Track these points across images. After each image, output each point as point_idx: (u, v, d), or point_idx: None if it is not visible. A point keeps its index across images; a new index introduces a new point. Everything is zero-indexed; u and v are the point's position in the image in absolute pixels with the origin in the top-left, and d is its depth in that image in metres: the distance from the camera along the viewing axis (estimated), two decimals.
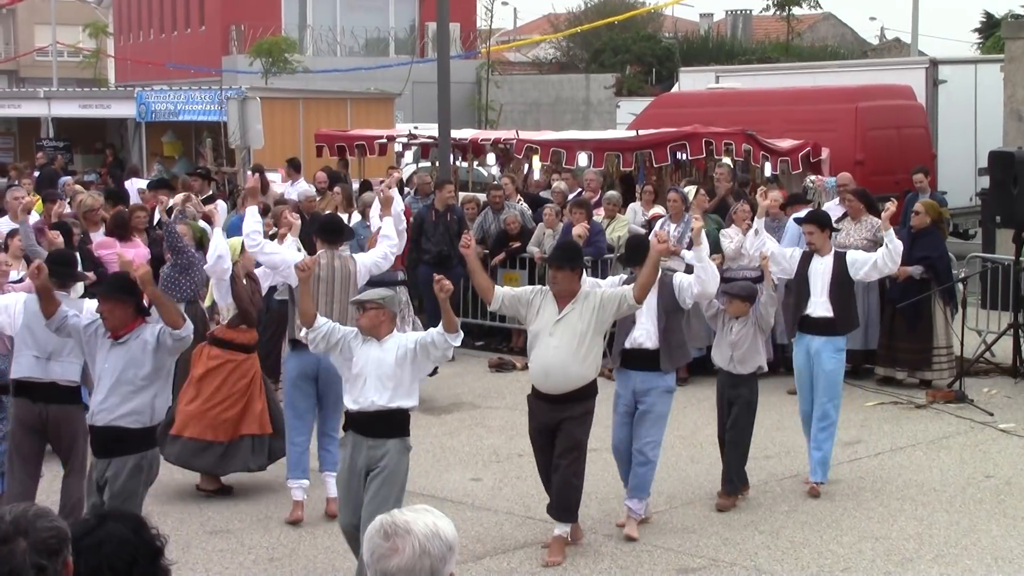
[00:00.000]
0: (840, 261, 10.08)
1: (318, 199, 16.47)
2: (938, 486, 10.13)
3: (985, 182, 19.34)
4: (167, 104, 26.43)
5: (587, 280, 8.90)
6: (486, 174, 22.08)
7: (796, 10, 46.75)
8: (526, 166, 18.87)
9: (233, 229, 13.88)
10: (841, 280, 10.05)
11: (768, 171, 16.45)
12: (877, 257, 10.00)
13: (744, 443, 9.66)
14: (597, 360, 8.52)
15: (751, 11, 56.68)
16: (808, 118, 18.67)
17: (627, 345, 9.03)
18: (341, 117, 26.65)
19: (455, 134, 18.39)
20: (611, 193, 15.63)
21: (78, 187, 17.68)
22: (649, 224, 14.70)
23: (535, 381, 8.57)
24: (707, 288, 8.93)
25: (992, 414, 12.22)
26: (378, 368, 7.60)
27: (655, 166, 16.66)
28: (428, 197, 16.49)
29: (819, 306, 10.04)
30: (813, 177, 16.54)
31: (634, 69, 44.34)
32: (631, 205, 15.75)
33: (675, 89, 26.48)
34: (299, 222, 10.45)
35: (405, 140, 19.97)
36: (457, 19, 36.88)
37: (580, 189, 16.77)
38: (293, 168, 20.12)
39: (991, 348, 13.94)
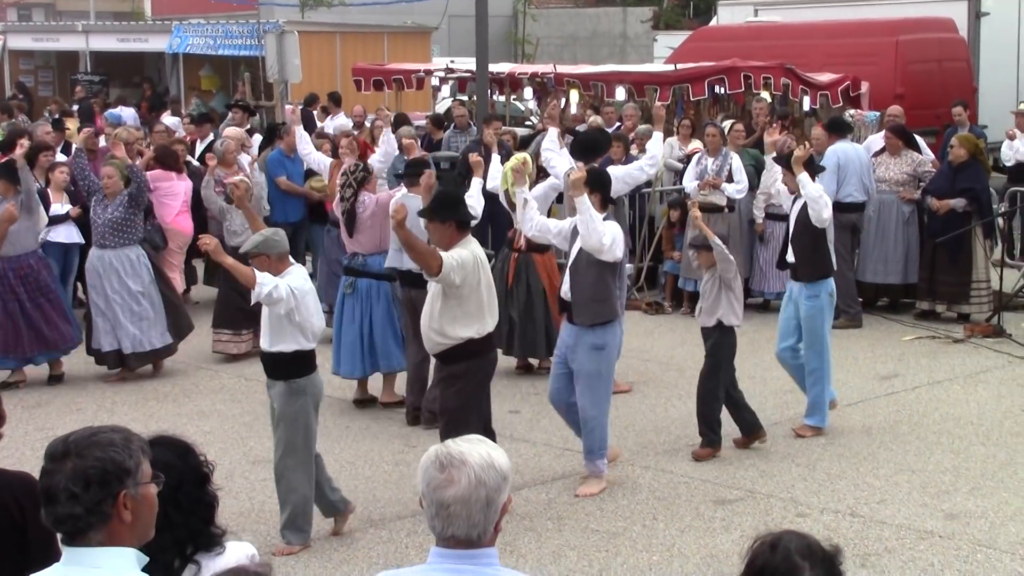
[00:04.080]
0: (805, 207, 9.64)
1: (356, 133, 16.49)
2: (975, 419, 10.16)
3: None
4: (206, 38, 26.38)
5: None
6: (523, 108, 22.04)
7: None
8: (563, 100, 18.81)
9: (272, 164, 13.93)
10: (803, 226, 9.63)
11: (807, 105, 16.36)
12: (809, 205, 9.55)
13: (707, 395, 9.24)
14: (457, 323, 7.79)
15: None
16: (848, 52, 18.50)
17: (562, 295, 8.62)
18: (378, 51, 26.57)
19: (492, 68, 18.33)
20: (643, 127, 15.56)
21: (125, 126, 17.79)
22: (687, 159, 14.66)
23: None
24: (588, 241, 8.18)
25: None
26: (266, 311, 7.67)
27: (693, 100, 16.59)
28: (467, 131, 16.49)
29: (790, 251, 9.80)
30: (853, 111, 16.43)
31: (672, 2, 43.88)
32: (668, 139, 15.67)
33: (713, 23, 26.23)
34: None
35: (442, 74, 19.96)
36: None
37: (619, 123, 16.72)
38: (333, 102, 20.15)
39: None
